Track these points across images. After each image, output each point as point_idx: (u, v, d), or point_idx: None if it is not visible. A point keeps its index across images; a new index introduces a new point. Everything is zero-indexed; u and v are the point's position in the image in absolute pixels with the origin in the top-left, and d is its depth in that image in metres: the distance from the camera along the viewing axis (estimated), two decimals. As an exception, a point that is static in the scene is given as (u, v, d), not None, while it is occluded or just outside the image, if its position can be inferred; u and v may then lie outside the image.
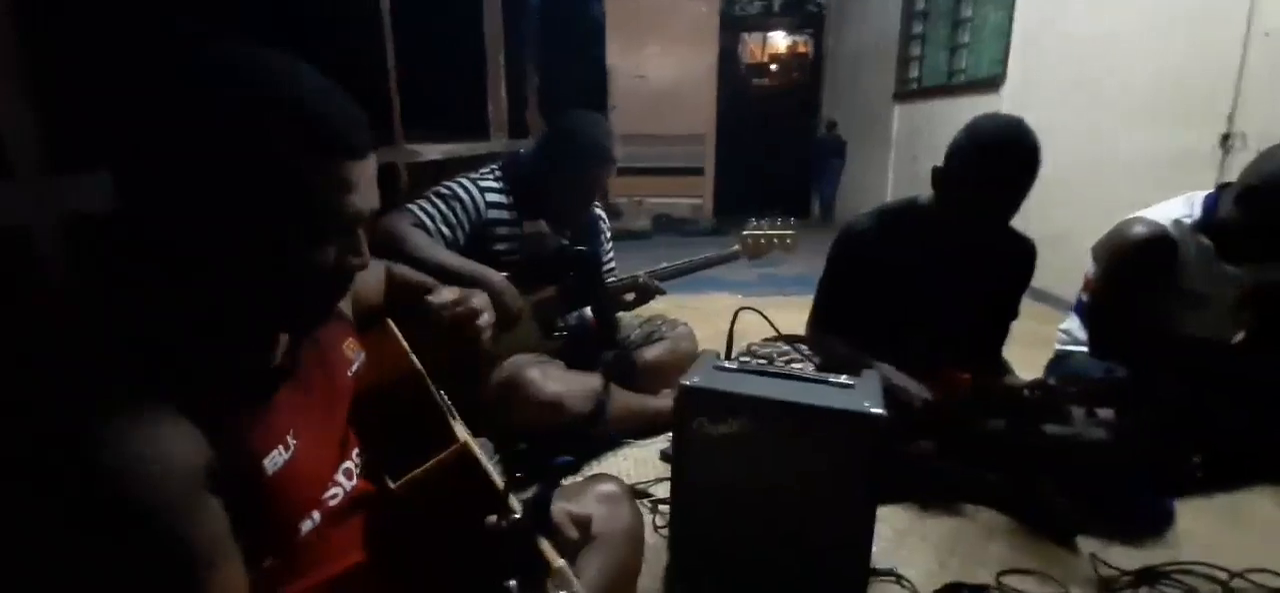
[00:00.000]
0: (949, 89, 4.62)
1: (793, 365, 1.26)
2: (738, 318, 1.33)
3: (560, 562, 0.61)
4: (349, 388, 0.75)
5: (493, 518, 0.63)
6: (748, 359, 1.27)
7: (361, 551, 0.71)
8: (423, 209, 1.55)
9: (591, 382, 1.68)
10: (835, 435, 1.10)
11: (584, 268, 1.77)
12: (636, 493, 1.54)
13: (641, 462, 1.70)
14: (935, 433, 1.51)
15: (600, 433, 1.68)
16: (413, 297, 0.97)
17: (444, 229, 1.56)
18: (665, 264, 1.98)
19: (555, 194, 1.73)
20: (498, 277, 1.50)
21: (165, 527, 0.49)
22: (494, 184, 1.67)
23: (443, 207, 1.58)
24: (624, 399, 1.74)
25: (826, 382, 1.20)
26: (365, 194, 0.58)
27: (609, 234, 2.02)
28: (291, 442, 0.61)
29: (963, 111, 1.80)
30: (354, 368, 0.76)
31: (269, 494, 0.58)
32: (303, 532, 0.63)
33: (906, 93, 5.19)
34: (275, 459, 0.59)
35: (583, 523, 0.98)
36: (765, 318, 1.39)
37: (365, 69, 1.92)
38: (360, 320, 0.89)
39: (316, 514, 0.65)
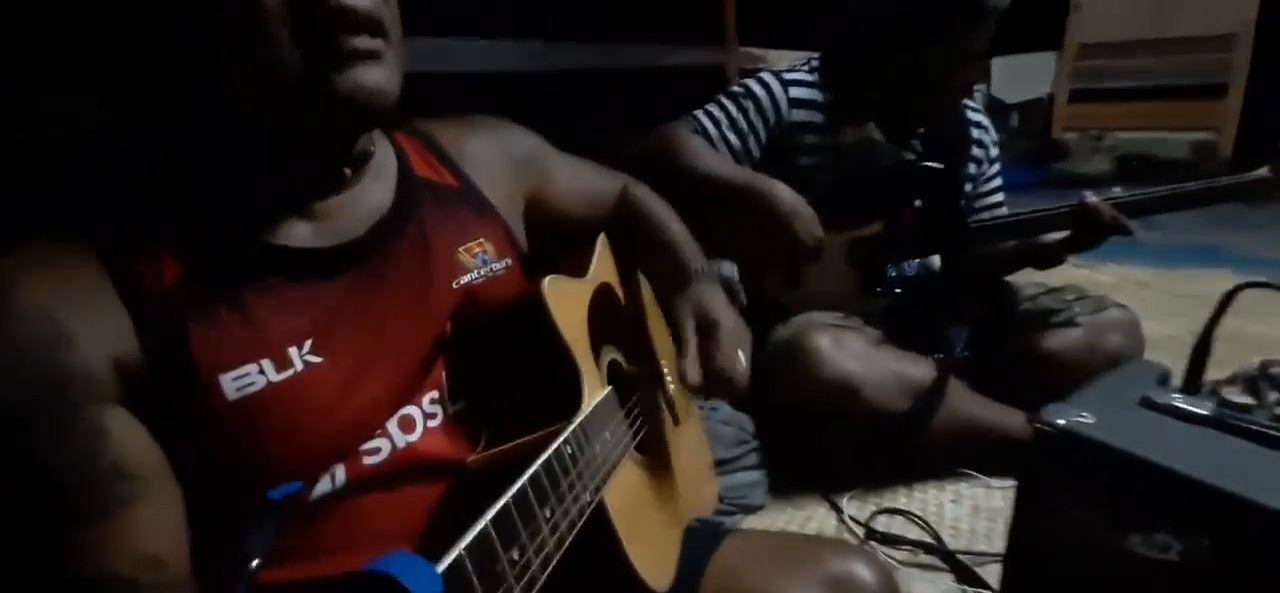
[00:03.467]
0: None
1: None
2: (1232, 302, 0.59)
3: None
4: (450, 302, 0.53)
5: None
6: (1244, 397, 0.55)
7: (413, 543, 0.49)
8: (708, 112, 1.22)
9: (917, 369, 1.11)
10: None
11: (932, 192, 1.18)
12: (959, 569, 0.94)
13: (985, 514, 1.06)
14: None
15: (918, 449, 1.11)
16: (648, 256, 0.74)
17: (731, 136, 1.19)
18: (1115, 190, 1.15)
19: (889, 83, 1.18)
20: (784, 192, 1.08)
21: (21, 440, 0.36)
22: (804, 77, 1.23)
23: (731, 109, 1.21)
24: (973, 408, 1.12)
25: None
26: None
27: (994, 153, 1.34)
28: (301, 359, 0.44)
29: None
30: (468, 278, 0.55)
31: (232, 427, 0.42)
32: (316, 492, 0.45)
33: None
34: (249, 378, 0.42)
35: None
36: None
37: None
38: (560, 230, 0.69)
39: (341, 472, 0.46)
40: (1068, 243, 1.16)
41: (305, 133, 0.45)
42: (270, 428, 0.43)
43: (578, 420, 0.47)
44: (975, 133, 1.30)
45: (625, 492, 0.55)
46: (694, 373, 0.60)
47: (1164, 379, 0.62)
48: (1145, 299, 1.19)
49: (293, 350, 0.44)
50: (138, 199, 0.43)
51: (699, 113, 1.22)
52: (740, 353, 0.61)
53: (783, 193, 1.08)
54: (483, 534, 0.33)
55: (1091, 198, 1.11)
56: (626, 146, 1.17)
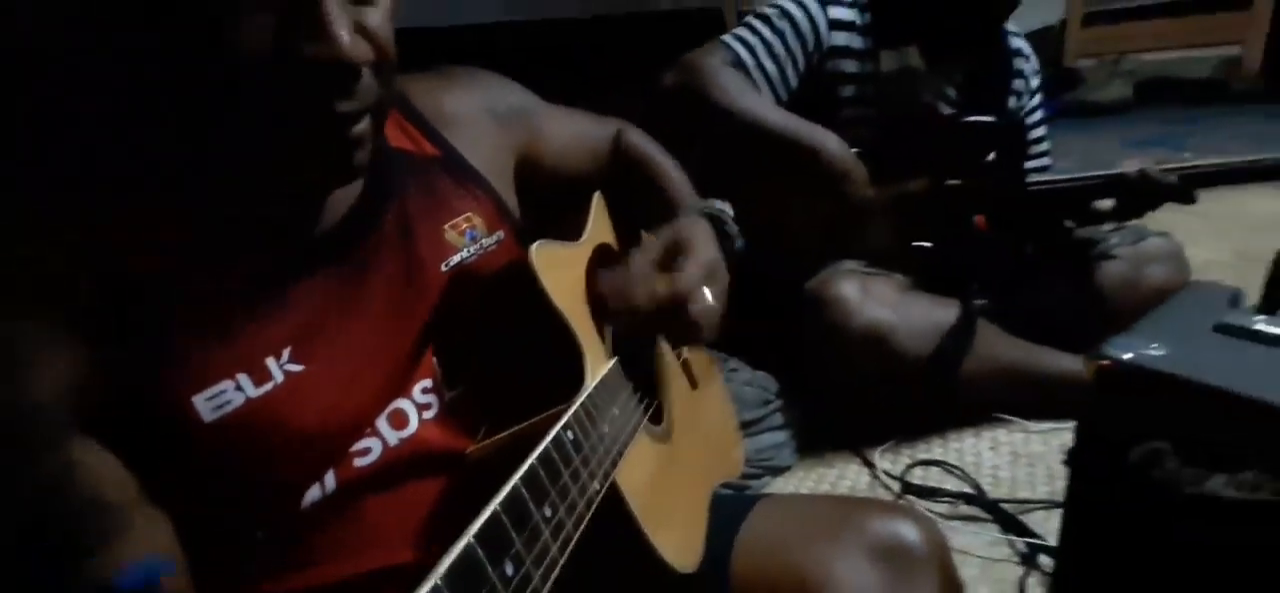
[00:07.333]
0: None
1: None
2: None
3: None
4: (438, 287, 0.50)
5: None
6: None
7: (413, 545, 0.46)
8: (740, 38, 1.09)
9: (950, 313, 1.05)
10: None
11: (990, 149, 1.09)
12: (1004, 519, 0.89)
13: (1024, 460, 1.00)
14: None
15: (950, 396, 1.05)
16: (643, 205, 0.68)
17: (768, 65, 1.07)
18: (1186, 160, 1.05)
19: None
20: (837, 148, 1.01)
21: None
22: None
23: (766, 33, 1.08)
24: (1001, 348, 1.06)
25: None
26: None
27: (1035, 84, 1.25)
28: (281, 369, 0.41)
29: None
30: (457, 258, 0.51)
31: (210, 449, 0.39)
32: (306, 500, 0.43)
33: None
34: (225, 397, 0.39)
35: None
36: None
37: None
38: (556, 189, 0.64)
39: (330, 478, 0.43)
40: (1120, 210, 1.09)
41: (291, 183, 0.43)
42: (251, 446, 0.40)
43: (578, 400, 0.43)
44: (1020, 65, 1.22)
45: (642, 470, 0.51)
46: (643, 291, 0.49)
47: (1236, 301, 0.56)
48: (1179, 223, 1.12)
49: (270, 361, 0.41)
50: (95, 199, 0.39)
51: (729, 39, 1.09)
52: (707, 290, 0.51)
53: (836, 149, 1.01)
54: (465, 555, 0.28)
55: (1152, 167, 1.03)
56: (647, 87, 1.08)
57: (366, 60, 0.38)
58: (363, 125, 0.40)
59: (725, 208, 0.63)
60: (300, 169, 0.40)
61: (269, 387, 0.40)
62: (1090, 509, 0.56)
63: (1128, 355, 0.49)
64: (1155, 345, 0.50)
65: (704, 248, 0.54)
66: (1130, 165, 1.04)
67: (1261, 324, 0.51)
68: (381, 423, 0.45)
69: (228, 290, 0.40)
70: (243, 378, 0.40)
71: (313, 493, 0.43)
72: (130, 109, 0.41)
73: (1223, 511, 0.46)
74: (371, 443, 0.45)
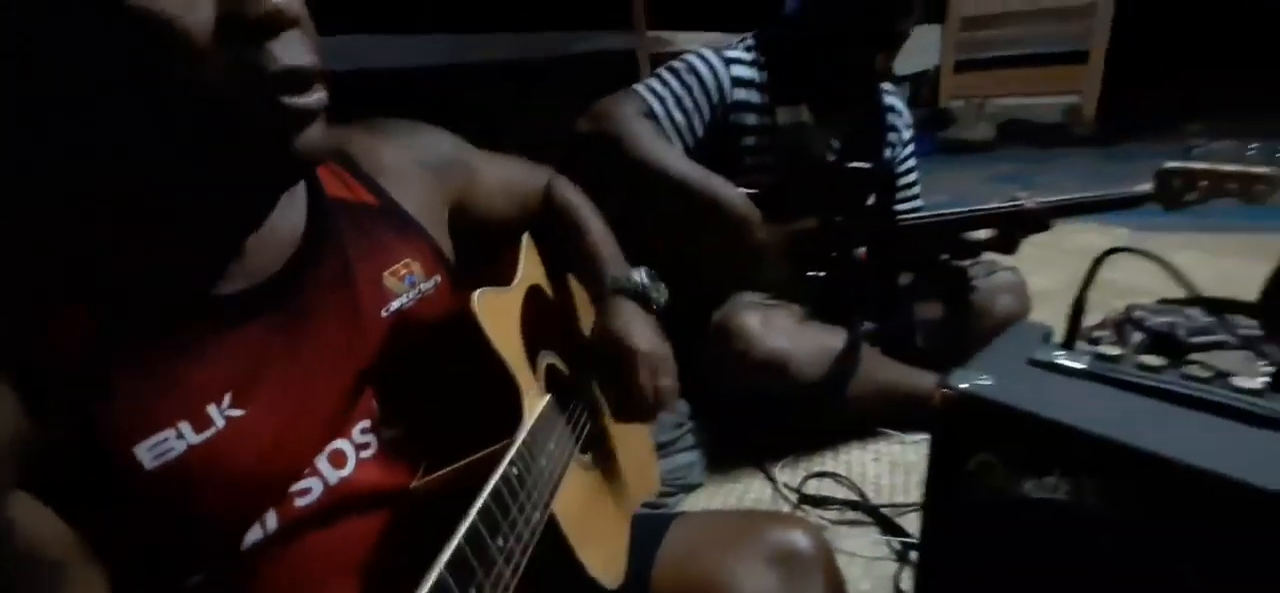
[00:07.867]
0: None
1: (1216, 364, 0.59)
2: (1101, 267, 0.66)
3: None
4: (380, 332, 0.51)
5: None
6: (1113, 347, 0.64)
7: (354, 581, 0.47)
8: (652, 90, 1.17)
9: (831, 339, 1.18)
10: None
11: (866, 190, 1.23)
12: (883, 521, 1.02)
13: (901, 468, 1.15)
14: None
15: (836, 412, 1.18)
16: (569, 262, 0.74)
17: (676, 115, 1.16)
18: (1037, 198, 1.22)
19: (818, 63, 1.20)
20: (735, 198, 1.10)
21: None
22: (742, 56, 1.22)
23: (675, 85, 1.17)
24: (881, 370, 1.21)
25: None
26: None
27: (907, 136, 1.40)
28: (222, 415, 0.41)
29: None
30: (397, 303, 0.52)
31: (153, 496, 0.39)
32: (248, 541, 0.43)
33: None
34: (166, 444, 0.39)
35: None
36: (1170, 268, 0.67)
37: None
38: (487, 234, 0.67)
39: (272, 518, 0.44)
40: (995, 242, 1.23)
41: (241, 185, 0.42)
42: (193, 492, 0.40)
43: (520, 438, 0.47)
44: (893, 119, 1.36)
45: (574, 497, 0.56)
46: (614, 410, 0.61)
47: (1047, 338, 0.70)
48: (1022, 255, 1.30)
49: (211, 408, 0.41)
50: (35, 249, 0.38)
51: (642, 90, 1.17)
52: (662, 378, 0.61)
53: (734, 198, 1.10)
54: (439, 584, 0.33)
55: (1027, 201, 1.18)
56: (575, 122, 1.14)
57: (298, 14, 0.39)
58: (317, 95, 0.40)
59: (647, 280, 0.66)
60: (257, 151, 0.40)
61: (210, 432, 0.40)
62: (942, 510, 0.68)
63: (964, 386, 0.61)
64: (985, 377, 0.62)
65: (642, 340, 0.61)
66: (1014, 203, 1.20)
67: (1062, 358, 0.64)
68: (321, 463, 0.46)
69: (168, 338, 0.40)
70: (184, 426, 0.40)
71: (254, 534, 0.43)
72: (70, 126, 0.38)
73: (1032, 507, 0.58)
74: (312, 483, 0.46)
